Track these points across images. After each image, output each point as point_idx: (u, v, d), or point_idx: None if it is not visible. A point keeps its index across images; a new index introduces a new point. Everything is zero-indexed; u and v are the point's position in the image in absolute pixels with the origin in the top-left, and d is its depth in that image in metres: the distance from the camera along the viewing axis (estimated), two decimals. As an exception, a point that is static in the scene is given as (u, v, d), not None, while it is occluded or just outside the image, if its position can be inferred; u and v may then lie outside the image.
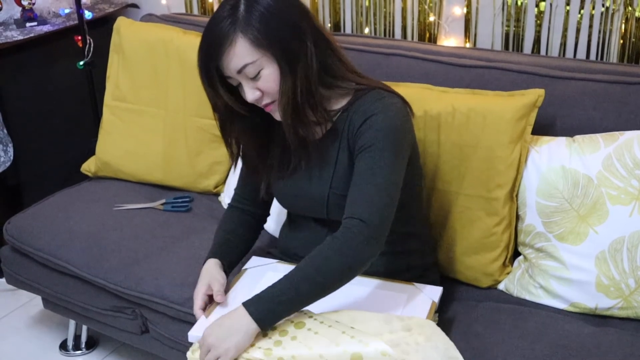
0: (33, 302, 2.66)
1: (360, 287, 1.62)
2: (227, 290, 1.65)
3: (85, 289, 2.10)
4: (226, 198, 2.25)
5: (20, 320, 2.63)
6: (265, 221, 1.88)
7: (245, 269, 1.74)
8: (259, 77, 1.51)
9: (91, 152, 2.47)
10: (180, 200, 2.28)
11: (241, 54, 1.48)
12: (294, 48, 1.51)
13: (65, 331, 2.48)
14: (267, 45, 1.48)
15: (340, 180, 1.61)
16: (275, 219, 1.98)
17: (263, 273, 1.71)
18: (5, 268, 2.33)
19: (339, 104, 1.62)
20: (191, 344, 1.53)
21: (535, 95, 1.78)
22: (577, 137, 1.78)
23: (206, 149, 2.31)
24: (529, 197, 1.77)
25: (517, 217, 1.82)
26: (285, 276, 1.47)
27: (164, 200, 2.28)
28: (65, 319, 2.43)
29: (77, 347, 2.46)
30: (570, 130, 1.82)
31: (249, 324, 1.43)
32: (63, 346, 2.48)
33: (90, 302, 2.12)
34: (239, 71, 1.50)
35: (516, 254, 1.87)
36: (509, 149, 1.76)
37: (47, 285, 2.22)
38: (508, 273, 1.85)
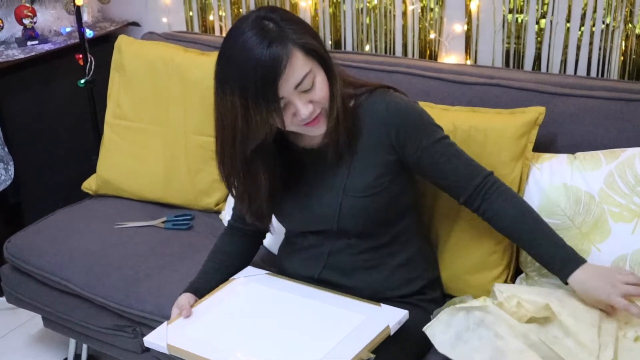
0: (33, 321, 2.65)
1: (315, 302, 1.58)
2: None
3: (86, 308, 2.10)
4: (227, 216, 2.24)
5: (20, 339, 2.62)
6: (264, 236, 1.88)
7: (233, 279, 1.73)
8: (314, 86, 1.49)
9: (92, 170, 2.47)
10: (181, 218, 2.28)
11: (299, 66, 1.46)
12: (326, 50, 1.53)
13: (66, 350, 2.47)
14: (314, 49, 1.48)
15: (354, 183, 1.60)
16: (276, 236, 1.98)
17: (247, 283, 1.70)
18: (6, 287, 2.32)
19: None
20: None
21: (536, 113, 1.78)
22: (579, 154, 1.77)
23: (207, 166, 2.30)
24: (530, 215, 1.77)
25: (519, 234, 1.81)
26: (538, 229, 1.60)
27: (164, 218, 2.28)
28: (65, 337, 2.42)
29: (77, 366, 2.46)
30: (571, 147, 1.82)
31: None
32: (63, 365, 2.47)
33: (90, 320, 2.11)
34: (297, 85, 1.46)
35: (518, 271, 1.86)
36: (510, 167, 1.75)
37: (47, 304, 2.21)
38: (510, 291, 1.84)
